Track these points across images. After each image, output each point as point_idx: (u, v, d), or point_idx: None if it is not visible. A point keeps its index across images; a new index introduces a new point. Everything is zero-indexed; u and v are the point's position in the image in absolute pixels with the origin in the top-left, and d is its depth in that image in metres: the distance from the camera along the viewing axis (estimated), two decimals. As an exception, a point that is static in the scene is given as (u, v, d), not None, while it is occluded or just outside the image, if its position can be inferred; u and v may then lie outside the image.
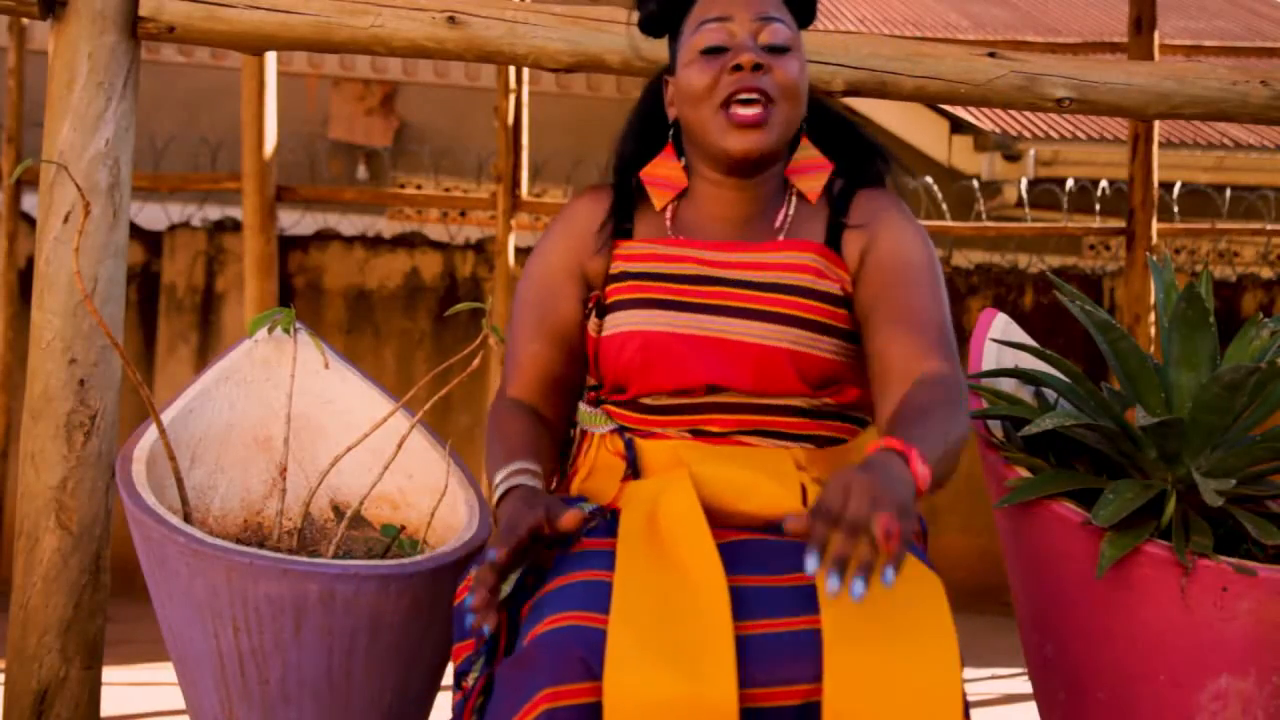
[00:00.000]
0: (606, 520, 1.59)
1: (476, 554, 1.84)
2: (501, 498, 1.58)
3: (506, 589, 1.52)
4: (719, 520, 1.55)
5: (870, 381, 1.68)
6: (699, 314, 1.66)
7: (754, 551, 1.51)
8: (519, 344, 1.76)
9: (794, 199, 1.75)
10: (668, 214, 1.75)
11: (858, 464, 1.39)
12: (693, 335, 1.65)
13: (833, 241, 1.72)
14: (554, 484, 1.74)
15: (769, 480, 1.59)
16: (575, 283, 1.75)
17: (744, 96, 1.63)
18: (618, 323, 1.69)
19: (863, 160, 1.80)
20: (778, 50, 1.67)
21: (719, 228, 1.73)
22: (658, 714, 1.31)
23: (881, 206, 1.74)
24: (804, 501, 1.58)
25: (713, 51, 1.67)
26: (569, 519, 1.48)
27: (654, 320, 1.66)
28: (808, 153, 1.76)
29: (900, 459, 1.40)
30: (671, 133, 1.78)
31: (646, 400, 1.68)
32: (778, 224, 1.73)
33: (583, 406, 1.76)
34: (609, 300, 1.71)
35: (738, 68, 1.63)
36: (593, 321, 1.73)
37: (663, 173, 1.76)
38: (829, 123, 1.81)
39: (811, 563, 1.27)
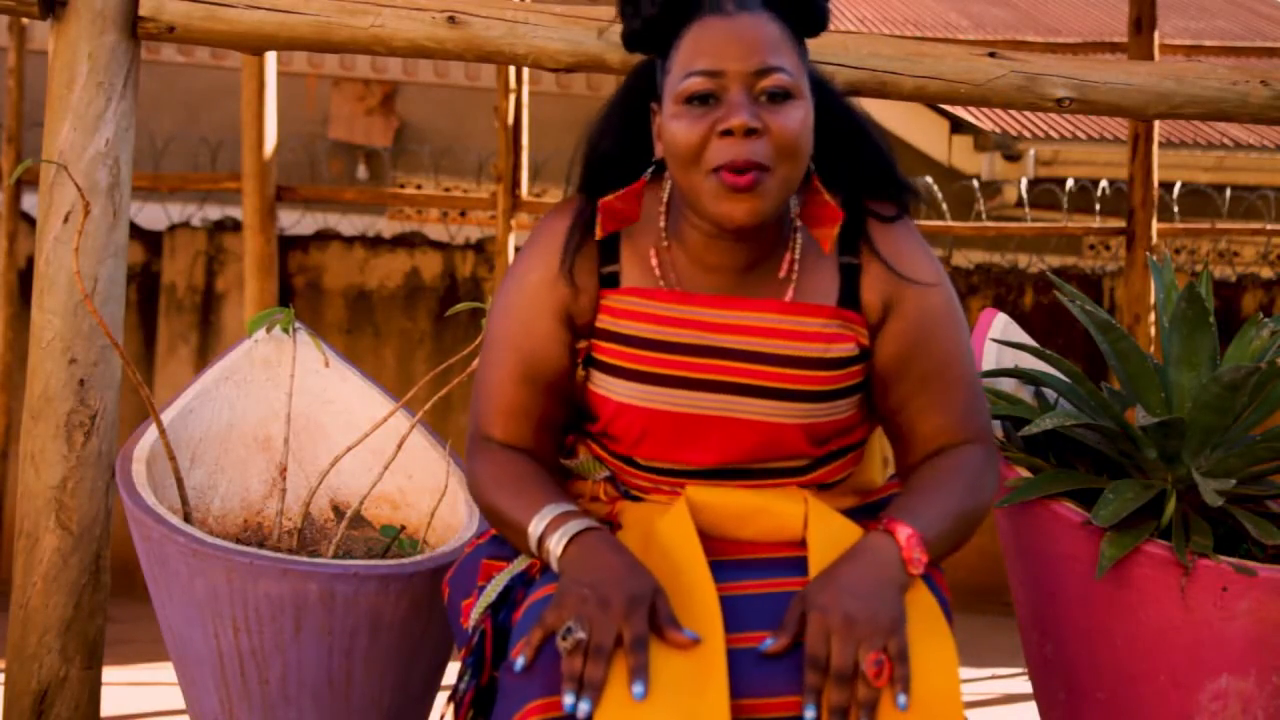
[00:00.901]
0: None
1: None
2: (571, 540, 1.44)
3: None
4: (720, 546, 1.52)
5: (891, 436, 1.64)
6: (702, 391, 1.54)
7: (750, 566, 1.50)
8: (502, 387, 1.60)
9: (800, 238, 1.58)
10: (653, 256, 1.58)
11: (844, 558, 1.43)
12: (696, 415, 1.54)
13: (847, 293, 1.58)
14: None
15: (771, 503, 1.55)
16: (563, 326, 1.58)
17: (735, 168, 1.45)
18: (609, 388, 1.57)
19: (877, 181, 1.62)
20: (777, 98, 1.47)
21: (717, 278, 1.56)
22: None
23: (900, 245, 1.60)
24: (804, 526, 1.54)
25: (699, 100, 1.48)
26: (678, 640, 1.35)
27: (652, 398, 1.55)
28: (817, 198, 1.55)
29: (893, 545, 1.43)
30: (655, 163, 1.59)
31: (641, 461, 1.59)
32: (782, 273, 1.57)
33: (568, 462, 1.66)
34: (597, 357, 1.58)
35: (728, 132, 1.45)
36: (579, 370, 1.61)
37: (621, 206, 1.55)
38: (844, 129, 1.62)
39: (810, 714, 1.31)
